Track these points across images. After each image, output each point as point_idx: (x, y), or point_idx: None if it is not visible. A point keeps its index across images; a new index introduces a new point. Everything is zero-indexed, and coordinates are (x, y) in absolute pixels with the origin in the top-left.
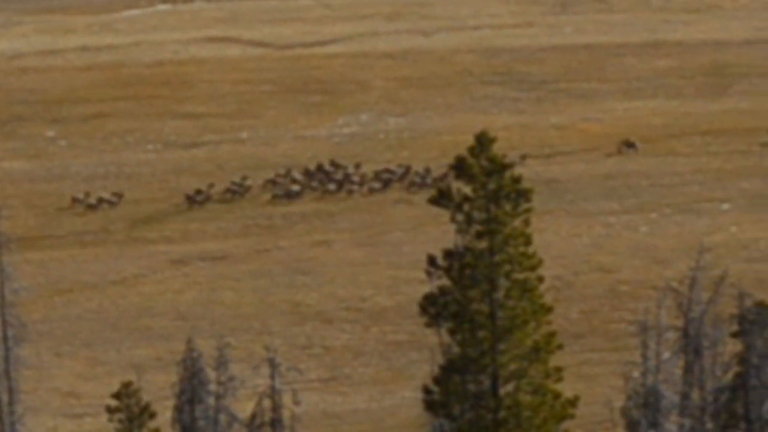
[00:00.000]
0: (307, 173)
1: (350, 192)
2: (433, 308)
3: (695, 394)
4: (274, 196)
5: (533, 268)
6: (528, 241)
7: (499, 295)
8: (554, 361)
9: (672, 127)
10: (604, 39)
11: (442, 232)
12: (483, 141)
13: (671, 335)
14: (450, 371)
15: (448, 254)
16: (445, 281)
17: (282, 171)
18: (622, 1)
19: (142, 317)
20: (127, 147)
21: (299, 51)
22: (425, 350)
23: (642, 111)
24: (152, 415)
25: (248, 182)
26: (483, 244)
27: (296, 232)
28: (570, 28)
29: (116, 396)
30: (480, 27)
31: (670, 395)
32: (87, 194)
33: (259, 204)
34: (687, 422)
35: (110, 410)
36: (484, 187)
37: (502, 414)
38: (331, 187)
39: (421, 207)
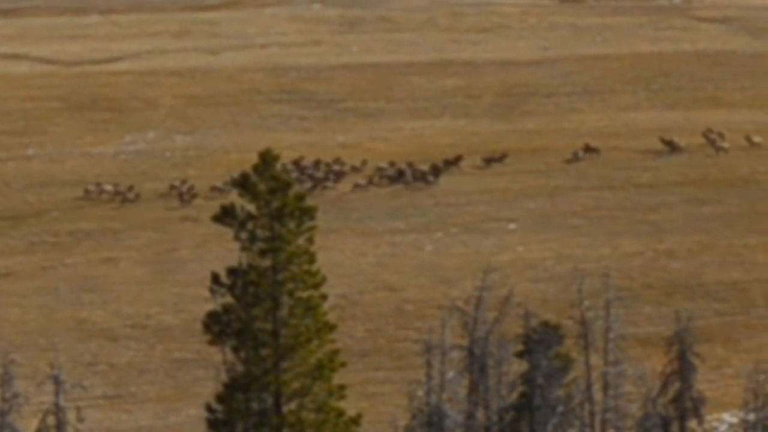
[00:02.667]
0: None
1: (325, 188)
2: (216, 326)
3: (480, 414)
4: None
5: (316, 286)
6: (312, 259)
7: (283, 313)
8: (338, 379)
9: (459, 147)
10: (391, 58)
11: (227, 250)
12: (267, 159)
13: (456, 354)
14: (233, 389)
15: (232, 272)
16: (228, 299)
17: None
18: (409, 21)
19: None
20: None
21: (87, 68)
22: (210, 368)
23: (429, 130)
24: None
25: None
26: (266, 262)
27: (82, 249)
28: (357, 47)
29: None
30: (267, 45)
31: (454, 414)
32: None
33: (45, 221)
34: None
35: None
36: (267, 205)
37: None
38: (307, 185)
39: (207, 225)
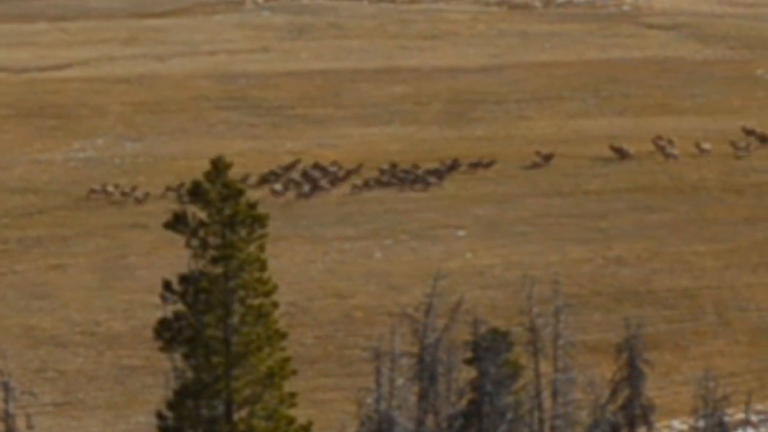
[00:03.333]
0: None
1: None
2: (167, 333)
3: (429, 421)
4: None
5: (268, 294)
6: (263, 267)
7: (234, 320)
8: (288, 386)
9: (408, 154)
10: (340, 65)
11: (177, 257)
12: (219, 166)
13: (406, 361)
14: (184, 396)
15: (183, 279)
16: (180, 306)
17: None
18: (358, 27)
19: None
20: None
21: (35, 75)
22: (160, 375)
23: (378, 137)
24: None
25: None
26: (218, 270)
27: (31, 256)
28: (306, 54)
29: None
30: (215, 52)
31: (403, 421)
32: None
33: None
34: None
35: None
36: (219, 212)
37: None
38: (306, 188)
39: (156, 231)
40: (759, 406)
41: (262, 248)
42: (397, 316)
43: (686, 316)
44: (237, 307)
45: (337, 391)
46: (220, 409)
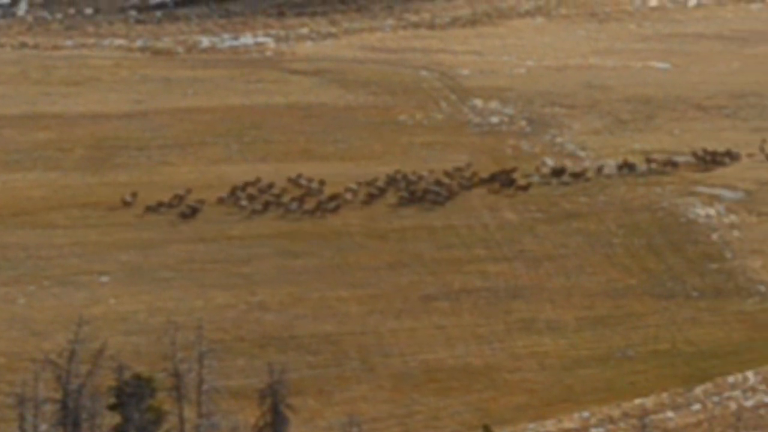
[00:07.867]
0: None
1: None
2: None
3: None
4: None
5: None
6: None
7: None
8: None
9: (50, 200)
10: None
11: None
12: None
13: (49, 407)
14: None
15: None
16: None
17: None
18: (1, 74)
19: None
20: None
21: None
22: None
23: (20, 183)
24: None
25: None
26: None
27: None
28: None
29: None
30: None
31: None
32: None
33: None
34: None
35: None
36: None
37: None
38: (293, 206)
39: None
40: None
41: None
42: (40, 362)
43: (330, 362)
44: None
45: None
46: None
